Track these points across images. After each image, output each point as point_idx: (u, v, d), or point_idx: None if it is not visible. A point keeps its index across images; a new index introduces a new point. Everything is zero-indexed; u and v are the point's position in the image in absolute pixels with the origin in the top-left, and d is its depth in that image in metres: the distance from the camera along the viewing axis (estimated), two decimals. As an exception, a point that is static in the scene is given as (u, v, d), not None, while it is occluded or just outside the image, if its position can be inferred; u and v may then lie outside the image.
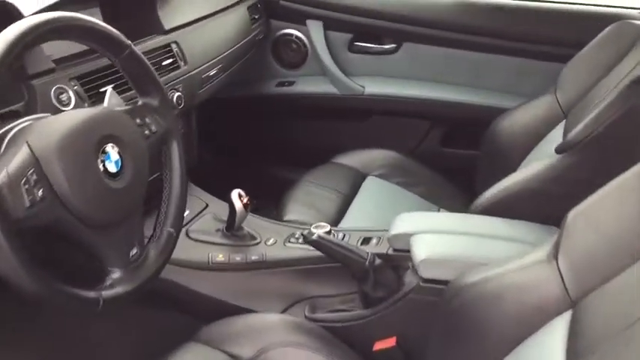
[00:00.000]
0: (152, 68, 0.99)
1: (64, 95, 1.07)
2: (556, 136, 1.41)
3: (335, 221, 1.52)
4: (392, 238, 1.21)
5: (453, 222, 1.26)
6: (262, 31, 1.92)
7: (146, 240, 0.96)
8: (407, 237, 1.18)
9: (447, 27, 1.84)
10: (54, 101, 1.05)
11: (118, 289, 0.86)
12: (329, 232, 1.24)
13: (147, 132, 0.96)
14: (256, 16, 1.86)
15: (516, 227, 1.20)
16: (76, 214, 0.80)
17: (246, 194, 1.31)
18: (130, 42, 0.94)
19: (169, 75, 1.35)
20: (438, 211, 1.64)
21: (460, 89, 1.89)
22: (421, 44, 1.89)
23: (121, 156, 0.87)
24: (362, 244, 1.28)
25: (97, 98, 1.14)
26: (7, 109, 0.99)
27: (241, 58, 1.76)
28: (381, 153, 1.79)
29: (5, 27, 0.81)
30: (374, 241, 1.28)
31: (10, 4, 1.01)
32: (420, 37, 1.88)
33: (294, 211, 1.55)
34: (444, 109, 1.89)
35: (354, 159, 1.77)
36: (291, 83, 2.01)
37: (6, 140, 0.83)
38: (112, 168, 0.85)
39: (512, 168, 1.51)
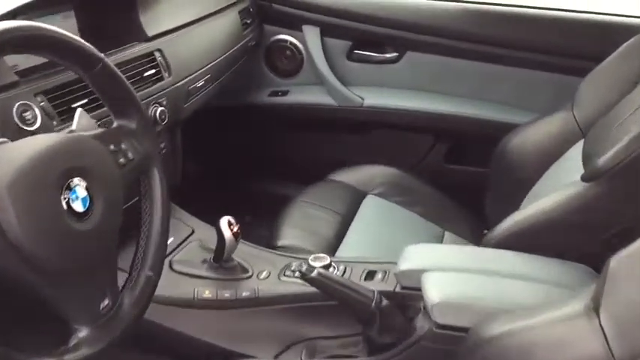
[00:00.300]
0: (129, 85, 0.86)
1: (28, 113, 0.93)
2: (573, 156, 1.30)
3: (333, 246, 1.41)
4: (400, 275, 1.09)
5: (468, 257, 1.13)
6: (254, 37, 1.78)
7: (121, 284, 0.83)
8: (417, 273, 1.05)
9: (453, 35, 1.71)
10: (16, 120, 0.91)
11: (85, 351, 0.72)
12: (329, 265, 1.11)
13: (122, 160, 0.83)
14: (248, 21, 1.73)
15: (539, 264, 1.08)
16: (32, 262, 0.67)
17: (236, 220, 1.17)
18: (102, 55, 0.81)
19: (152, 87, 1.21)
20: (443, 234, 1.53)
21: (466, 102, 1.77)
22: (425, 53, 1.76)
23: (89, 192, 0.73)
24: (366, 278, 1.15)
25: (68, 115, 1.01)
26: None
27: (232, 66, 1.63)
28: (380, 169, 1.67)
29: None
30: (379, 275, 1.15)
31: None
32: (424, 46, 1.75)
33: (289, 235, 1.43)
34: (448, 123, 1.77)
35: (351, 176, 1.66)
36: (284, 93, 1.88)
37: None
38: (79, 207, 0.72)
39: (525, 189, 1.40)
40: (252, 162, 1.98)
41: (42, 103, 0.97)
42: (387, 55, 1.80)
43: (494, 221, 1.56)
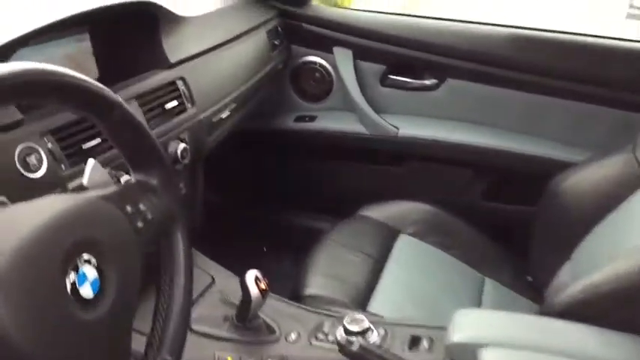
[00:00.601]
0: (150, 133, 0.72)
1: (32, 157, 0.81)
2: (638, 205, 1.16)
3: (365, 296, 1.28)
4: (452, 347, 0.94)
5: (530, 329, 0.98)
6: (283, 60, 1.65)
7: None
8: (472, 348, 0.91)
9: (500, 62, 1.57)
10: (18, 166, 0.78)
11: None
12: (367, 329, 0.97)
13: (140, 224, 0.69)
14: (277, 42, 1.59)
15: (613, 341, 0.94)
16: None
17: (263, 275, 1.04)
18: (119, 99, 0.67)
19: (173, 121, 1.08)
20: (483, 280, 1.40)
21: (510, 136, 1.62)
22: (467, 81, 1.62)
23: (100, 272, 0.60)
24: (410, 347, 1.01)
25: (78, 158, 0.88)
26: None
27: (258, 92, 1.49)
28: (414, 206, 1.54)
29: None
30: (424, 343, 1.02)
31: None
32: (467, 73, 1.61)
33: (317, 283, 1.30)
34: (489, 158, 1.62)
35: (383, 212, 1.53)
36: (312, 118, 1.74)
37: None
38: (87, 292, 0.58)
39: (578, 235, 1.26)
40: (274, 190, 1.85)
41: (49, 145, 0.84)
42: (425, 82, 1.67)
43: (539, 268, 1.43)
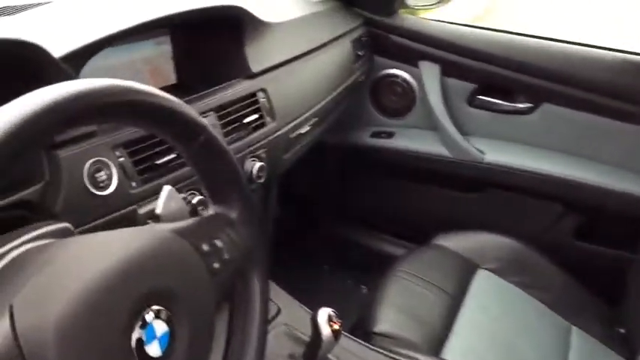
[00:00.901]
0: (235, 161, 0.63)
1: (102, 173, 0.73)
2: None
3: (440, 337, 1.18)
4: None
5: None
6: (365, 72, 1.54)
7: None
8: None
9: (605, 90, 1.42)
10: (86, 182, 0.71)
11: None
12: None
13: (216, 264, 0.60)
14: (360, 53, 1.49)
15: None
16: None
17: (337, 315, 0.93)
18: (204, 122, 0.59)
19: (251, 136, 0.99)
20: (570, 329, 1.27)
21: (609, 170, 1.47)
22: (565, 107, 1.47)
23: (171, 325, 0.51)
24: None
25: (151, 175, 0.80)
26: (9, 200, 0.65)
27: (338, 106, 1.40)
28: (496, 239, 1.42)
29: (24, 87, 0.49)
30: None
31: (34, 45, 0.67)
32: (566, 99, 1.46)
33: (388, 318, 1.20)
34: (584, 193, 1.47)
35: (461, 242, 1.41)
36: (389, 135, 1.63)
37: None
38: (155, 350, 0.49)
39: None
40: (341, 208, 1.75)
41: (121, 159, 0.76)
42: (518, 105, 1.53)
43: (633, 320, 1.28)
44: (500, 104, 1.54)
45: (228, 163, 0.62)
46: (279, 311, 1.07)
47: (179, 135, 0.57)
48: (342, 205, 1.77)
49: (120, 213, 0.75)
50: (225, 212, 0.64)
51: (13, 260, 0.52)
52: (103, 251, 0.51)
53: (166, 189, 0.64)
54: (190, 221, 0.61)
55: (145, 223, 0.75)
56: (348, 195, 1.74)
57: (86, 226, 0.70)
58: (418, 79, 1.59)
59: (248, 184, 0.64)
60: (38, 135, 0.44)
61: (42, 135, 0.45)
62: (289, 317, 1.06)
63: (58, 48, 0.71)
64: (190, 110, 0.56)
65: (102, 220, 0.73)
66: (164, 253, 0.54)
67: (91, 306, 0.46)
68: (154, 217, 0.65)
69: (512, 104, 1.53)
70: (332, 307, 0.93)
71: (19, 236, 0.56)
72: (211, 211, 0.64)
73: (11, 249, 0.53)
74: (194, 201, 0.82)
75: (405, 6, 1.60)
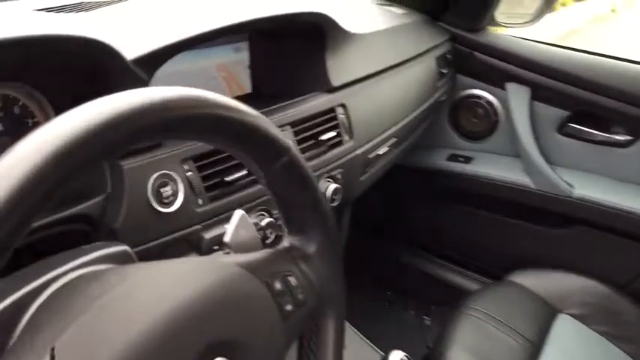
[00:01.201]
0: (317, 187, 0.55)
1: (168, 188, 0.66)
2: None
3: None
4: None
5: None
6: (447, 91, 1.44)
7: None
8: None
9: None
10: (150, 197, 0.64)
11: None
12: None
13: (289, 307, 0.52)
14: (445, 71, 1.39)
15: None
16: None
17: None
18: (289, 143, 0.51)
19: (327, 155, 0.91)
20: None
21: None
22: (670, 143, 1.33)
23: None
24: None
25: (219, 192, 0.73)
26: (67, 213, 0.59)
27: (418, 126, 1.30)
28: (581, 281, 1.29)
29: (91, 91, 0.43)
30: None
31: (105, 45, 0.60)
32: (671, 133, 1.32)
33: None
34: (687, 238, 1.32)
35: (542, 282, 1.30)
36: (467, 159, 1.52)
37: (25, 320, 0.43)
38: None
39: None
40: (412, 234, 1.65)
41: (189, 173, 0.69)
42: (615, 137, 1.38)
43: None
44: (595, 134, 1.40)
45: (310, 189, 0.54)
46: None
47: (259, 155, 0.49)
48: (408, 230, 1.67)
49: (182, 233, 0.68)
50: (301, 245, 0.55)
51: (62, 288, 0.45)
52: (167, 288, 0.43)
53: (238, 214, 0.56)
54: (262, 254, 0.53)
55: (209, 250, 0.68)
56: (416, 220, 1.63)
57: (144, 246, 0.64)
58: (503, 101, 1.47)
59: (333, 215, 0.55)
60: (108, 147, 0.37)
61: (112, 147, 0.38)
62: (356, 356, 0.97)
63: (131, 49, 0.65)
64: (274, 128, 0.49)
65: (162, 240, 0.66)
66: (235, 295, 0.46)
67: (149, 357, 0.38)
68: (221, 244, 0.58)
69: (609, 135, 1.39)
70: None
71: (73, 258, 0.49)
72: (286, 242, 0.56)
73: (61, 274, 0.47)
74: (263, 223, 0.74)
75: (494, 23, 1.50)
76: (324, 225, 0.56)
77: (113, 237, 0.61)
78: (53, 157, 0.34)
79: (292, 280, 0.53)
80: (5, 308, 0.44)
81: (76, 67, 0.60)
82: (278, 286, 0.51)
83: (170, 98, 0.40)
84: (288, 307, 0.52)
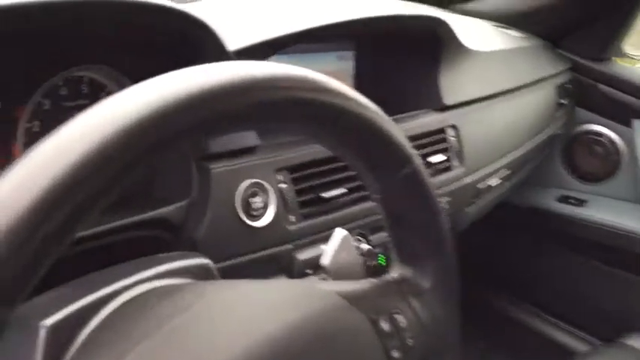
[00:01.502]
0: (440, 209, 0.45)
1: (258, 199, 0.58)
2: None
3: None
4: None
5: None
6: (564, 124, 1.30)
7: None
8: None
9: None
10: (238, 207, 0.57)
11: None
12: None
13: (396, 354, 0.42)
14: (563, 102, 1.26)
15: None
16: None
17: None
18: (412, 151, 0.41)
19: (435, 181, 0.80)
20: None
21: None
22: None
23: None
24: None
25: (314, 210, 0.64)
26: (146, 216, 0.52)
27: (531, 160, 1.17)
28: None
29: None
30: None
31: (209, 29, 0.54)
32: None
33: None
34: None
35: (661, 348, 1.11)
36: (580, 202, 1.37)
37: (83, 336, 0.35)
38: None
39: None
40: (508, 279, 1.50)
41: (282, 185, 0.61)
42: None
43: None
44: None
45: (431, 210, 0.44)
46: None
47: (379, 161, 0.40)
48: (507, 276, 1.52)
49: (271, 252, 0.60)
50: (415, 278, 0.45)
51: (129, 303, 0.37)
52: (254, 315, 0.34)
53: (340, 234, 0.47)
54: (367, 285, 0.43)
55: (301, 273, 0.60)
56: (517, 264, 1.48)
57: (227, 262, 0.56)
58: (628, 140, 1.31)
59: (454, 244, 0.45)
60: (198, 126, 0.29)
61: (203, 128, 0.30)
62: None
63: (234, 40, 0.58)
64: (399, 131, 0.39)
65: (248, 257, 0.58)
66: (337, 329, 0.36)
67: None
68: (316, 267, 0.49)
69: None
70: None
71: (146, 267, 0.42)
72: (395, 272, 0.46)
73: (130, 285, 0.39)
74: (364, 248, 0.65)
75: (621, 54, 1.35)
76: (443, 255, 0.46)
77: (193, 247, 0.54)
78: (125, 134, 0.26)
79: (401, 319, 0.43)
80: (63, 319, 0.36)
81: (170, 50, 0.54)
82: (385, 326, 0.42)
83: (287, 76, 0.32)
84: (395, 355, 0.42)
